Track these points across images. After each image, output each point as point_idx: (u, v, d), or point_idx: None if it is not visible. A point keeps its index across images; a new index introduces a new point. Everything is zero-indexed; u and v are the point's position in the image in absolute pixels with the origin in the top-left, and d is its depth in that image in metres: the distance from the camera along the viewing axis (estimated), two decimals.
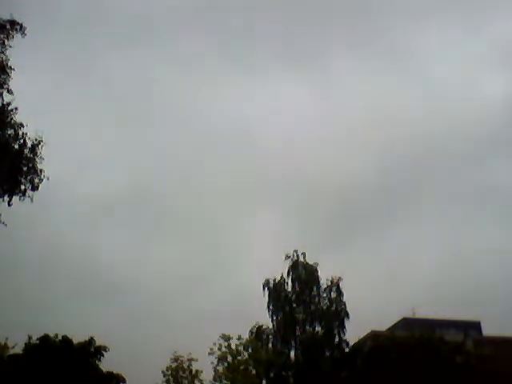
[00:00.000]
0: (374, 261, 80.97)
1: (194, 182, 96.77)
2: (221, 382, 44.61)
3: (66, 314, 61.98)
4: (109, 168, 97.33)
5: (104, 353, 45.69)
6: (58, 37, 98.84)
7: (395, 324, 59.09)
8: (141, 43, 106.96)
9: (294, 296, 52.71)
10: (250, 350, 45.41)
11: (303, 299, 52.45)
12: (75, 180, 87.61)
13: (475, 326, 60.61)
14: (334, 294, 52.44)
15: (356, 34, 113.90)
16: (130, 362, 49.70)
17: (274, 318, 52.45)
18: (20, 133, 23.85)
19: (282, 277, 53.02)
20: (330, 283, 52.62)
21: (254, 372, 45.24)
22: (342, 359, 49.85)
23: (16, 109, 23.92)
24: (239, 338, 45.06)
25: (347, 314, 52.04)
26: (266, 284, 52.78)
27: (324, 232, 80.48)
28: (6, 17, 24.17)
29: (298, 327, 52.05)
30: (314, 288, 52.73)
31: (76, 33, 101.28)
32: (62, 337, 45.30)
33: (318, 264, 53.14)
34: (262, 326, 51.48)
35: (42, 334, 45.12)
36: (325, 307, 52.34)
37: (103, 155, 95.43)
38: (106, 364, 45.79)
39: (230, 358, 44.27)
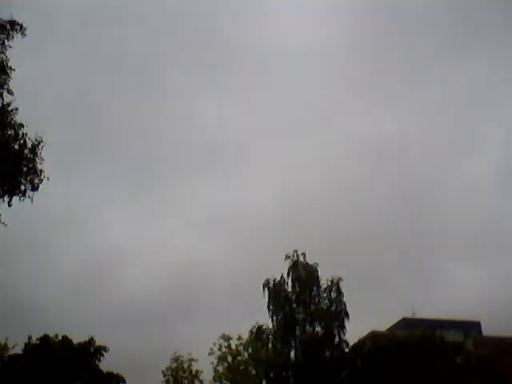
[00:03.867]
0: None
1: None
2: (221, 382, 44.61)
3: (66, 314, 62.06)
4: None
5: (104, 353, 45.76)
6: None
7: (395, 324, 59.07)
8: None
9: (294, 296, 52.74)
10: (250, 350, 45.39)
11: (303, 299, 52.48)
12: None
13: (475, 326, 60.61)
14: (334, 294, 52.49)
15: None
16: (130, 362, 49.76)
17: (274, 318, 52.48)
18: (20, 133, 23.79)
19: (282, 277, 53.08)
20: (329, 283, 52.69)
21: (253, 372, 45.21)
22: (342, 359, 49.87)
23: (16, 109, 23.86)
24: (239, 338, 45.04)
25: (347, 314, 52.10)
26: (266, 284, 52.79)
27: None
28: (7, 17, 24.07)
29: (298, 327, 52.08)
30: (314, 288, 52.77)
31: None
32: (62, 337, 45.40)
33: (317, 264, 53.26)
34: (261, 326, 51.55)
35: (41, 334, 45.20)
36: (325, 307, 52.38)
37: None
38: (105, 364, 45.94)
39: (229, 358, 44.24)
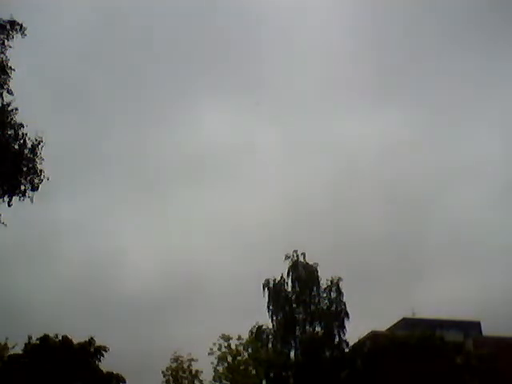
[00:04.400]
0: None
1: None
2: (221, 382, 44.63)
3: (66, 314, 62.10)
4: None
5: (104, 353, 45.75)
6: None
7: (395, 324, 59.10)
8: None
9: (293, 296, 52.79)
10: (250, 350, 45.41)
11: (303, 299, 52.53)
12: None
13: (475, 326, 60.63)
14: (333, 294, 52.54)
15: None
16: (130, 362, 49.74)
17: (274, 318, 52.53)
18: (20, 133, 23.85)
19: (281, 277, 53.13)
20: (329, 283, 52.73)
21: (253, 372, 45.22)
22: (342, 359, 49.89)
23: (16, 109, 23.90)
24: (239, 338, 45.04)
25: (347, 314, 52.14)
26: (266, 284, 52.83)
27: None
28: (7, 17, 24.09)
29: (298, 327, 52.13)
30: (314, 288, 52.82)
31: None
32: (62, 337, 45.36)
33: (317, 264, 53.31)
34: (261, 326, 51.59)
35: (41, 334, 45.19)
36: (325, 307, 52.44)
37: None
38: (105, 364, 45.92)
39: (229, 358, 44.26)
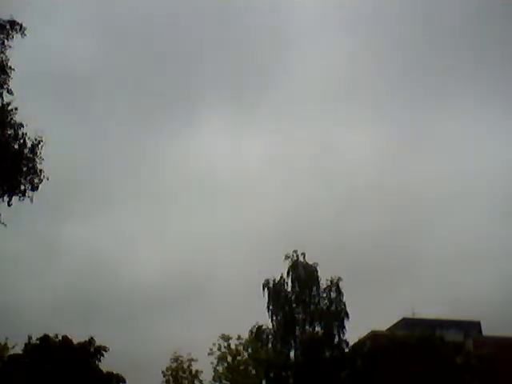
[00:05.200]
0: None
1: None
2: (220, 382, 44.65)
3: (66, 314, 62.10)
4: None
5: (104, 353, 45.75)
6: None
7: (395, 324, 59.08)
8: None
9: (293, 296, 52.81)
10: (249, 350, 45.45)
11: (303, 299, 52.55)
12: None
13: (475, 326, 60.63)
14: (333, 294, 52.55)
15: None
16: (130, 362, 49.73)
17: (274, 318, 52.55)
18: (20, 133, 23.87)
19: (281, 277, 53.14)
20: (329, 283, 52.74)
21: (253, 372, 45.25)
22: (342, 359, 49.91)
23: (16, 109, 23.93)
24: (239, 338, 45.08)
25: (347, 314, 52.15)
26: (266, 284, 52.86)
27: None
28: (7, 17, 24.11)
29: (297, 327, 52.16)
30: (314, 288, 52.85)
31: None
32: (62, 337, 45.33)
33: (317, 264, 53.32)
34: (261, 326, 51.61)
35: (41, 334, 45.19)
36: (324, 307, 52.45)
37: None
38: (105, 364, 45.91)
39: (229, 358, 44.29)
